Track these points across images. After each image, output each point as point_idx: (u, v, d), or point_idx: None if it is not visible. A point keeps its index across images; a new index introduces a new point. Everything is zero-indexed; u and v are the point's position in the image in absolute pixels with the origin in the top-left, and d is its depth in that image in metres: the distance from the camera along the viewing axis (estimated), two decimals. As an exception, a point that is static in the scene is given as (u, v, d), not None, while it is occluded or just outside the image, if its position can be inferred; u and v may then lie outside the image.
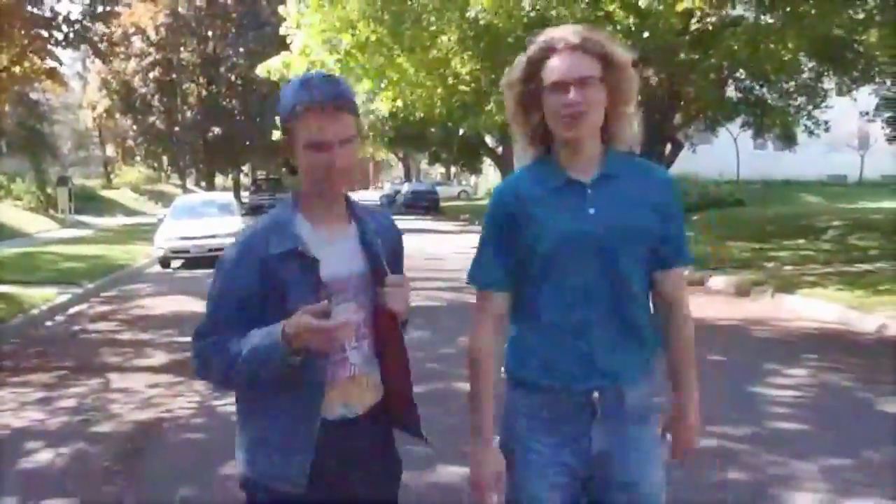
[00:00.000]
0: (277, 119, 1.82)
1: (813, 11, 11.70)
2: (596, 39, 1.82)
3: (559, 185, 1.86)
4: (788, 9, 11.89)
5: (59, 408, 5.36)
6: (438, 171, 57.29)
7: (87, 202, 32.39)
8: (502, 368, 1.97)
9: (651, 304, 1.96)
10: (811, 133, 17.61)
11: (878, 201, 24.34)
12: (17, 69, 9.83)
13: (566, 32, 1.83)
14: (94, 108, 38.38)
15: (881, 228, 15.52)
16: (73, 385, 5.95)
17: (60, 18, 10.17)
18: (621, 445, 1.87)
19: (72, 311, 9.63)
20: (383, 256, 1.85)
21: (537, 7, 11.64)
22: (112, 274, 12.67)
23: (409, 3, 12.55)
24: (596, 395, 1.85)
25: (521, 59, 1.88)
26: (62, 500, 3.80)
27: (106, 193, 38.88)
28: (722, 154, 27.10)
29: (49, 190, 29.82)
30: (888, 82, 16.47)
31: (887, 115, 16.60)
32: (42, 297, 9.63)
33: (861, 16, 12.56)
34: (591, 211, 1.83)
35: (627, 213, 1.85)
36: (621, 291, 1.85)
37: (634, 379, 1.89)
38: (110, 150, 46.37)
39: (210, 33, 37.88)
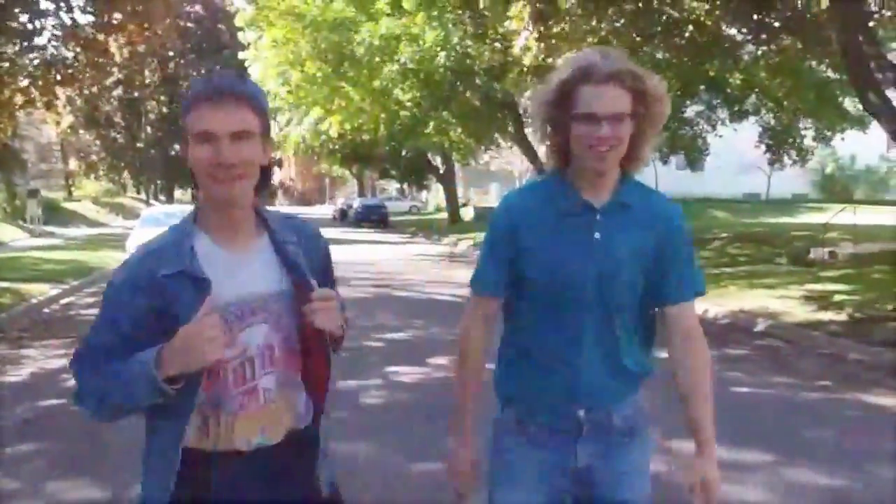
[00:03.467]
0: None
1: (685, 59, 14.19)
2: (631, 71, 1.76)
3: (570, 207, 1.83)
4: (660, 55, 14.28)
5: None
6: (394, 186, 59.33)
7: (51, 214, 33.81)
8: (493, 385, 1.98)
9: (648, 333, 1.94)
10: (697, 156, 20.13)
11: (778, 217, 27.18)
12: (18, 99, 11.55)
13: (601, 61, 1.76)
14: (58, 124, 39.80)
15: (758, 239, 18.14)
16: (83, 345, 8.00)
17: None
18: (608, 463, 1.87)
19: (63, 301, 11.61)
20: (307, 270, 1.69)
21: (452, 56, 13.94)
22: (90, 275, 14.57)
23: (349, 47, 14.75)
24: (582, 413, 1.84)
25: (552, 81, 1.82)
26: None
27: (68, 205, 40.26)
28: (645, 172, 29.73)
29: (17, 201, 31.30)
30: (768, 114, 19.14)
31: (767, 142, 19.22)
32: (37, 290, 11.59)
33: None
34: (597, 236, 1.82)
35: (632, 243, 1.83)
36: (615, 318, 1.84)
37: (621, 401, 1.88)
38: (72, 164, 47.73)
39: (171, 53, 39.67)
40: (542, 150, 2.03)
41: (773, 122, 19.17)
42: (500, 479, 1.91)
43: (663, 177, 29.61)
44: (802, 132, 18.87)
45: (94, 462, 4.47)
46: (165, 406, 1.56)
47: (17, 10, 10.43)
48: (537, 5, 8.79)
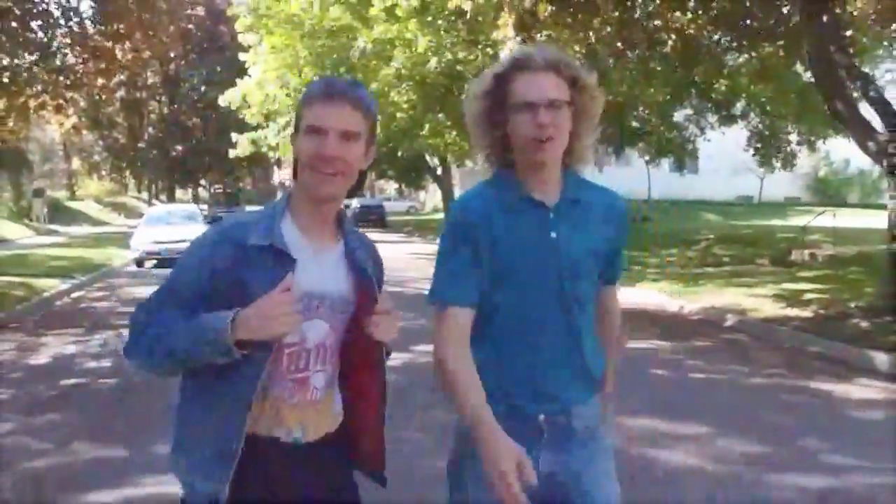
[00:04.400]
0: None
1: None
2: (566, 61, 1.77)
3: (522, 207, 1.81)
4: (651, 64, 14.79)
5: (91, 344, 7.99)
6: (393, 186, 59.87)
7: (55, 213, 34.42)
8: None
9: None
10: (685, 159, 20.68)
11: (768, 220, 27.73)
12: (32, 103, 12.15)
13: (536, 52, 1.77)
14: (61, 125, 40.27)
15: (743, 241, 18.70)
16: (95, 334, 8.54)
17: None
18: (571, 468, 1.84)
19: (74, 295, 12.19)
20: (375, 282, 1.75)
21: (443, 62, 14.49)
22: (97, 271, 15.13)
23: (344, 53, 15.28)
24: (542, 417, 1.81)
25: (487, 73, 1.82)
26: (108, 380, 6.42)
27: (71, 205, 40.86)
28: (638, 175, 30.29)
29: (22, 201, 31.90)
30: (756, 119, 19.66)
31: (756, 146, 19.75)
32: (48, 285, 12.16)
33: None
34: (553, 235, 1.80)
35: (587, 238, 1.83)
36: (576, 315, 1.83)
37: (583, 400, 1.86)
38: (75, 164, 48.30)
39: (172, 54, 40.16)
40: (481, 157, 1.91)
41: (760, 126, 19.68)
42: (468, 479, 1.82)
43: (656, 180, 30.21)
44: (789, 137, 19.39)
45: (113, 428, 5.09)
46: (232, 369, 1.60)
47: (34, 24, 11.06)
48: (521, 14, 9.32)
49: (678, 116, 20.55)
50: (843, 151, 29.24)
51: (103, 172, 43.74)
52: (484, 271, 1.80)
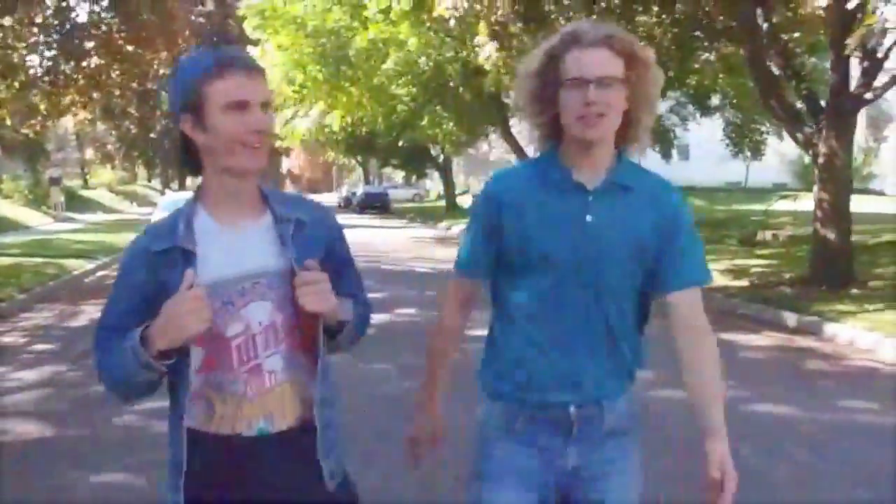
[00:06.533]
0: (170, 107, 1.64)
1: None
2: (620, 36, 1.67)
3: (560, 186, 1.72)
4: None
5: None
6: (400, 174, 61.09)
7: (70, 201, 35.86)
8: (479, 383, 1.88)
9: (641, 325, 1.85)
10: (668, 148, 21.93)
11: (751, 204, 28.85)
12: (66, 101, 13.82)
13: (591, 27, 1.68)
14: (75, 115, 41.72)
15: (718, 223, 19.90)
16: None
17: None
18: (598, 463, 1.78)
19: (99, 273, 13.60)
20: (297, 252, 1.63)
21: (432, 62, 15.74)
22: (116, 253, 16.48)
23: (344, 51, 16.52)
24: (573, 410, 1.75)
25: (539, 50, 1.74)
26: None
27: (85, 193, 42.36)
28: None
29: (39, 189, 33.42)
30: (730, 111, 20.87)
31: (731, 136, 21.00)
32: (76, 265, 13.57)
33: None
34: (589, 219, 1.70)
35: (626, 226, 1.71)
36: (608, 306, 1.74)
37: (615, 395, 1.79)
38: (89, 154, 49.84)
39: (181, 42, 41.40)
40: (534, 136, 1.85)
41: (732, 118, 20.90)
42: (488, 479, 1.80)
43: (648, 167, 31.33)
44: (760, 128, 20.58)
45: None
46: (170, 383, 1.62)
47: (75, 36, 12.53)
48: (492, 27, 10.55)
49: (661, 108, 21.75)
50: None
51: (116, 162, 45.23)
52: (509, 248, 1.75)
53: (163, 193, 39.87)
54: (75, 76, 13.22)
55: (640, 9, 12.35)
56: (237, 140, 1.56)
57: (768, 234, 16.45)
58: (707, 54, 15.30)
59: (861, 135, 39.02)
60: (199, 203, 1.66)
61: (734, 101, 18.20)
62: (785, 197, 19.25)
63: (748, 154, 21.38)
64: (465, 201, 36.77)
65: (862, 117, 11.29)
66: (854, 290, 9.20)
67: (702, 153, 33.70)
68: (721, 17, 12.58)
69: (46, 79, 12.97)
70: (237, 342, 1.62)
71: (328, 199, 47.76)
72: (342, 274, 1.76)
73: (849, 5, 7.68)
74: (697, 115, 21.86)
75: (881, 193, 32.57)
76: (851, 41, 7.95)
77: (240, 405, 1.62)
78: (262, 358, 1.63)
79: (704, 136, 24.78)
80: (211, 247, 1.61)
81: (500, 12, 10.24)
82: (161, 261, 1.59)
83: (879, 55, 9.17)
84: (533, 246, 1.72)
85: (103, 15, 13.36)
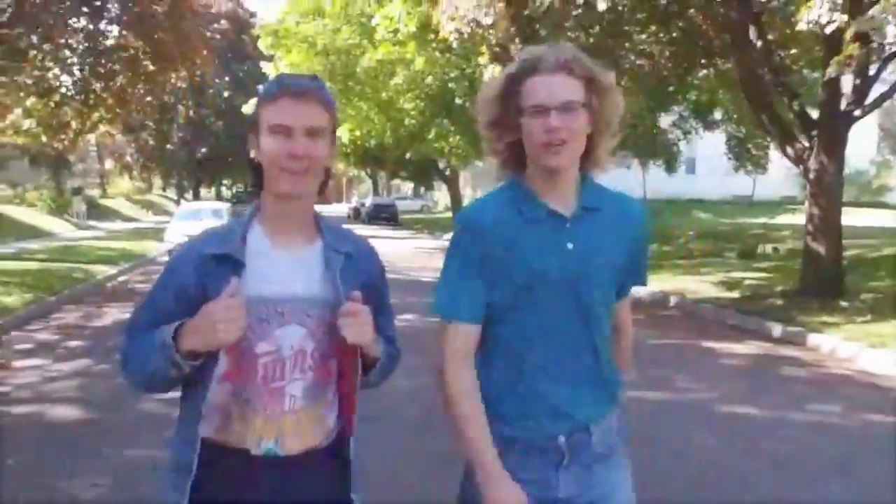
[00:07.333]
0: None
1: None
2: (580, 60, 1.66)
3: (538, 216, 1.71)
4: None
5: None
6: (409, 186, 61.61)
7: (90, 209, 36.68)
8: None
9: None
10: (672, 161, 22.34)
11: (758, 217, 29.15)
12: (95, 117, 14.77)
13: (550, 52, 1.67)
14: (96, 127, 42.85)
15: (720, 236, 20.25)
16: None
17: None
18: (589, 488, 1.77)
19: (121, 278, 14.24)
20: (343, 284, 1.65)
21: (437, 81, 16.33)
22: (137, 259, 17.17)
23: (353, 68, 17.16)
24: (562, 439, 1.74)
25: (499, 76, 1.73)
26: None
27: (104, 202, 43.27)
28: (630, 176, 31.68)
29: (61, 198, 34.35)
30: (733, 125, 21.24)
31: (734, 150, 21.38)
32: (100, 270, 14.19)
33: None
34: (570, 246, 1.71)
35: (605, 249, 1.74)
36: (593, 329, 1.75)
37: (601, 417, 1.79)
38: (108, 164, 50.95)
39: (198, 61, 42.42)
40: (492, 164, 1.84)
41: (734, 132, 21.26)
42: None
43: (654, 181, 31.68)
44: (763, 142, 20.92)
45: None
46: (190, 383, 1.62)
47: (105, 59, 13.41)
48: (493, 50, 11.09)
49: (664, 122, 22.15)
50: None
51: (134, 172, 46.24)
52: (496, 281, 1.71)
53: (178, 203, 40.74)
54: (104, 94, 14.07)
55: (638, 28, 12.78)
56: (276, 164, 1.60)
57: (769, 248, 16.76)
58: (705, 71, 15.74)
59: (874, 148, 39.36)
60: (256, 218, 1.69)
61: (734, 115, 18.59)
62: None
63: (750, 168, 21.73)
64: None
65: (874, 131, 11.52)
66: (843, 303, 9.51)
67: (708, 166, 34.10)
68: (714, 36, 12.93)
69: (79, 98, 13.91)
70: (264, 360, 1.63)
71: (338, 210, 48.39)
72: (379, 313, 1.74)
73: (827, 30, 7.96)
74: (700, 129, 22.19)
75: (895, 207, 32.61)
76: (831, 69, 8.30)
77: (253, 422, 1.63)
78: (286, 381, 1.65)
79: (710, 149, 25.07)
80: (259, 263, 1.63)
81: (500, 35, 10.74)
82: (210, 265, 1.62)
83: (871, 72, 9.47)
84: (519, 278, 1.70)
85: (130, 38, 14.28)
